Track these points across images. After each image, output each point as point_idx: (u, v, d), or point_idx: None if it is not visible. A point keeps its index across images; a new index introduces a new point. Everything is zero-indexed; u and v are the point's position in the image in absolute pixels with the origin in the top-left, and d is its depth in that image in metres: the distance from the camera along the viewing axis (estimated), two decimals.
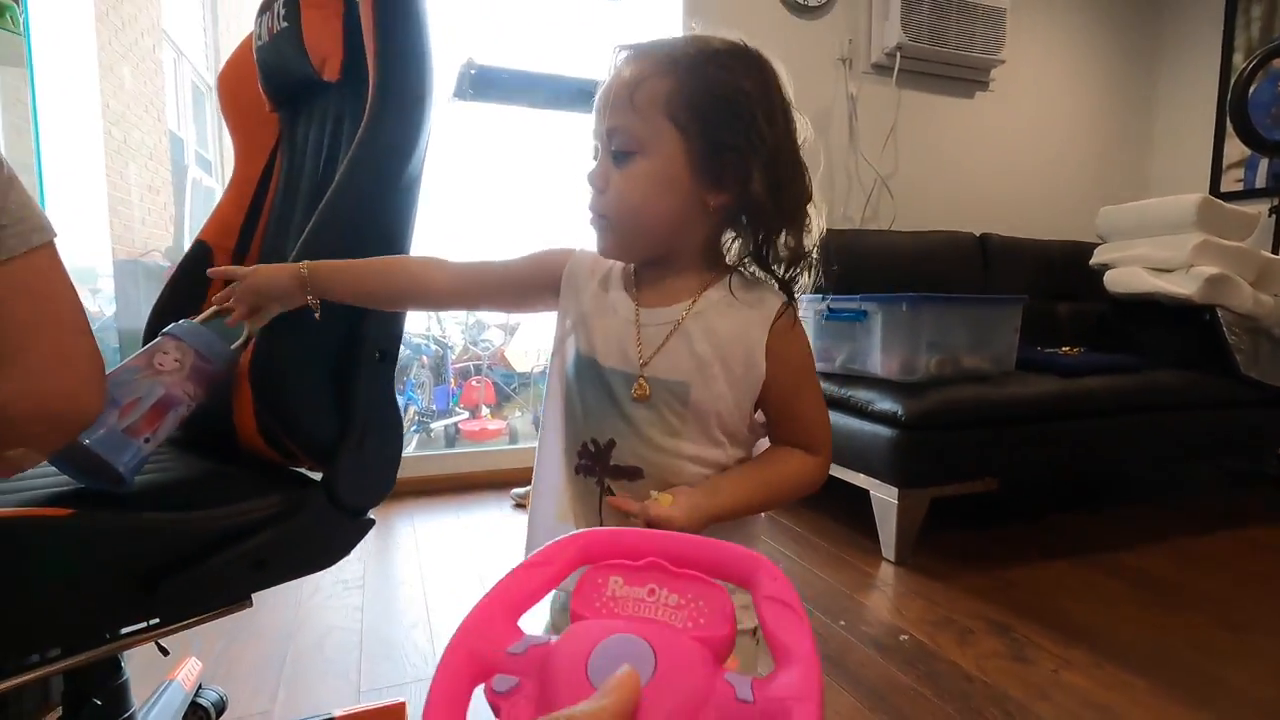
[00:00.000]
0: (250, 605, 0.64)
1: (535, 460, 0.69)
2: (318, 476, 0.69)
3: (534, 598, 0.36)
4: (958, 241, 2.61)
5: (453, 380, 4.13)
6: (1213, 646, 1.35)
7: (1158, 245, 2.26)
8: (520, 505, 2.16)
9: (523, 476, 2.21)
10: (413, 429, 3.56)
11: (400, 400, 3.54)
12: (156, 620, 0.61)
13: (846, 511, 2.11)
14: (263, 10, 0.85)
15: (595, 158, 0.62)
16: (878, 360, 1.83)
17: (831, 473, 2.05)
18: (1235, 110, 2.61)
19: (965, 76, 2.91)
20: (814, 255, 0.65)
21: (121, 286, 2.68)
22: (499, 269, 0.68)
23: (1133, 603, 1.55)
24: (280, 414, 0.65)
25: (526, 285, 0.68)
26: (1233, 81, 2.70)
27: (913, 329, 1.77)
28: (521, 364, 4.42)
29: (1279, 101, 2.92)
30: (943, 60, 2.77)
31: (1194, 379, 2.07)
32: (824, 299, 1.94)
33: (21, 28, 1.65)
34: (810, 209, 0.64)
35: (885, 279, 2.33)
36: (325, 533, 0.68)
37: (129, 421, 0.56)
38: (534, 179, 3.86)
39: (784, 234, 0.63)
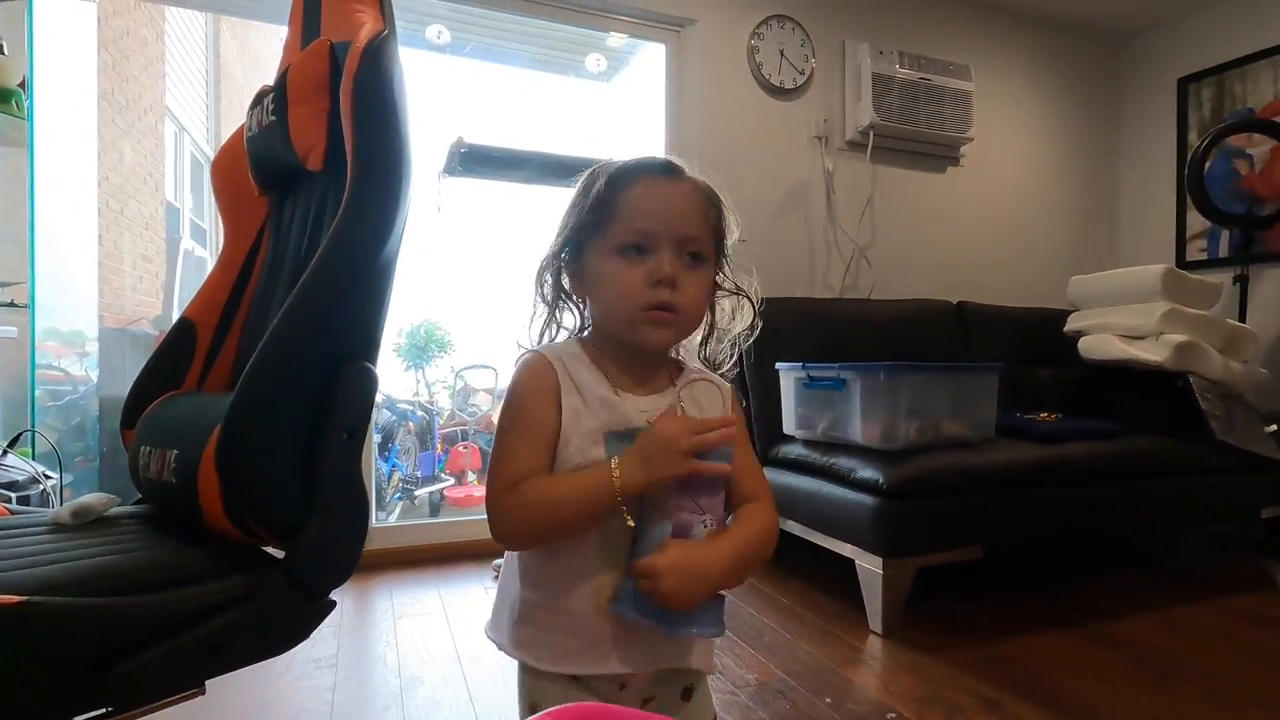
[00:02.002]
0: (203, 693, 0.62)
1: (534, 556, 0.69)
2: (281, 555, 0.68)
3: None
4: (935, 309, 2.67)
5: (439, 446, 4.10)
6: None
7: (1127, 313, 2.32)
8: None
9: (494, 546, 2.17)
10: (396, 496, 3.51)
11: (384, 467, 3.51)
12: (108, 709, 0.60)
13: (834, 582, 2.08)
14: (254, 104, 0.90)
15: (634, 254, 0.66)
16: (858, 428, 1.84)
17: (817, 542, 2.03)
18: (1193, 185, 2.73)
19: (936, 153, 3.04)
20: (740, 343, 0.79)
21: (107, 354, 2.68)
22: (547, 434, 0.67)
23: (1125, 677, 1.51)
24: (245, 495, 0.65)
25: (557, 426, 0.68)
26: (1189, 158, 2.84)
27: (892, 397, 1.79)
28: None
29: (1234, 176, 3.06)
30: (914, 138, 2.90)
31: (1171, 445, 2.09)
32: (804, 367, 1.97)
33: (26, 112, 1.71)
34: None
35: (865, 347, 2.38)
36: (284, 615, 0.67)
37: None
38: (522, 250, 3.96)
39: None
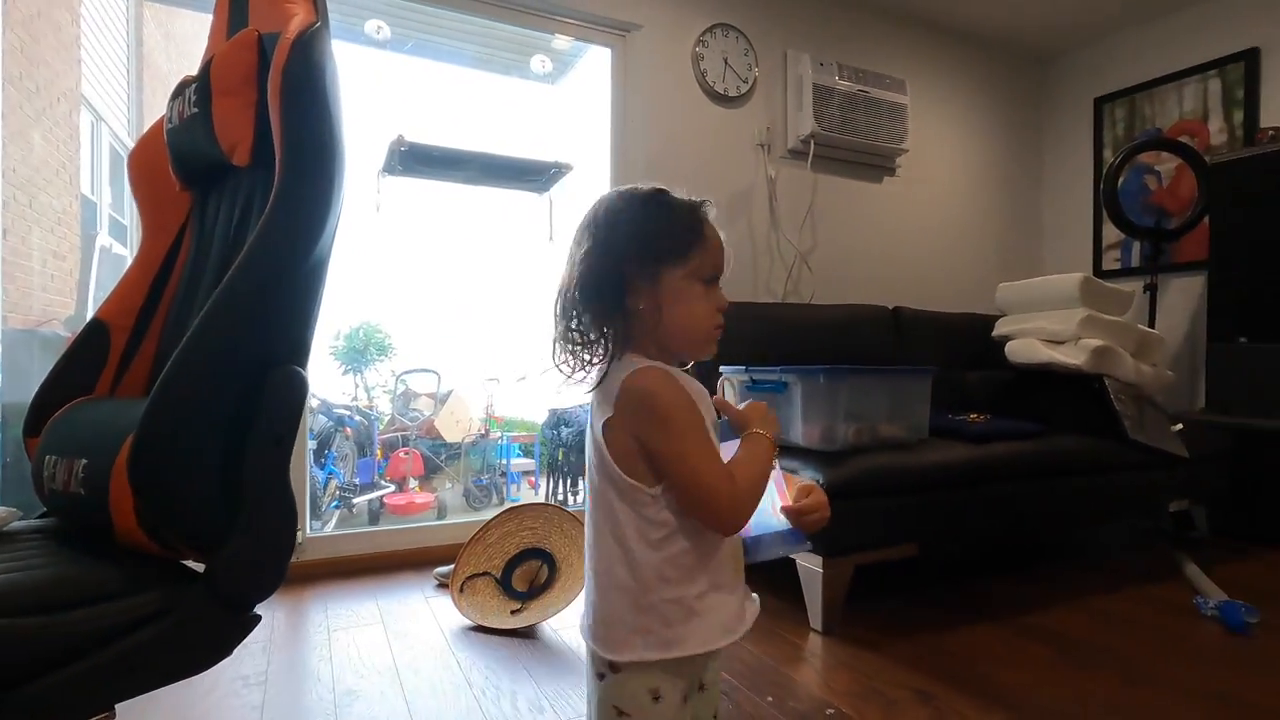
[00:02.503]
0: (113, 716, 0.59)
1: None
2: (201, 568, 0.65)
3: None
4: (873, 314, 2.75)
5: (379, 452, 3.99)
6: (1125, 708, 1.39)
7: (1049, 319, 2.44)
8: (443, 585, 2.07)
9: (448, 554, 2.13)
10: (333, 505, 3.39)
11: (320, 475, 3.39)
12: None
13: (777, 582, 2.11)
14: (175, 95, 0.86)
15: (709, 284, 0.77)
16: (799, 430, 1.88)
17: None
18: (1108, 199, 2.90)
19: (874, 163, 3.14)
20: None
21: (12, 357, 2.51)
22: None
23: (1050, 665, 1.59)
24: (161, 506, 0.62)
25: None
26: (1105, 174, 3.02)
27: (831, 399, 1.83)
28: (452, 434, 4.32)
29: (1144, 192, 3.27)
30: (852, 148, 2.99)
31: (1090, 444, 2.21)
32: (746, 370, 2.00)
33: None
34: None
35: (806, 350, 2.43)
36: (205, 632, 0.63)
37: None
38: (466, 250, 3.89)
39: None
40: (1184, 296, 3.12)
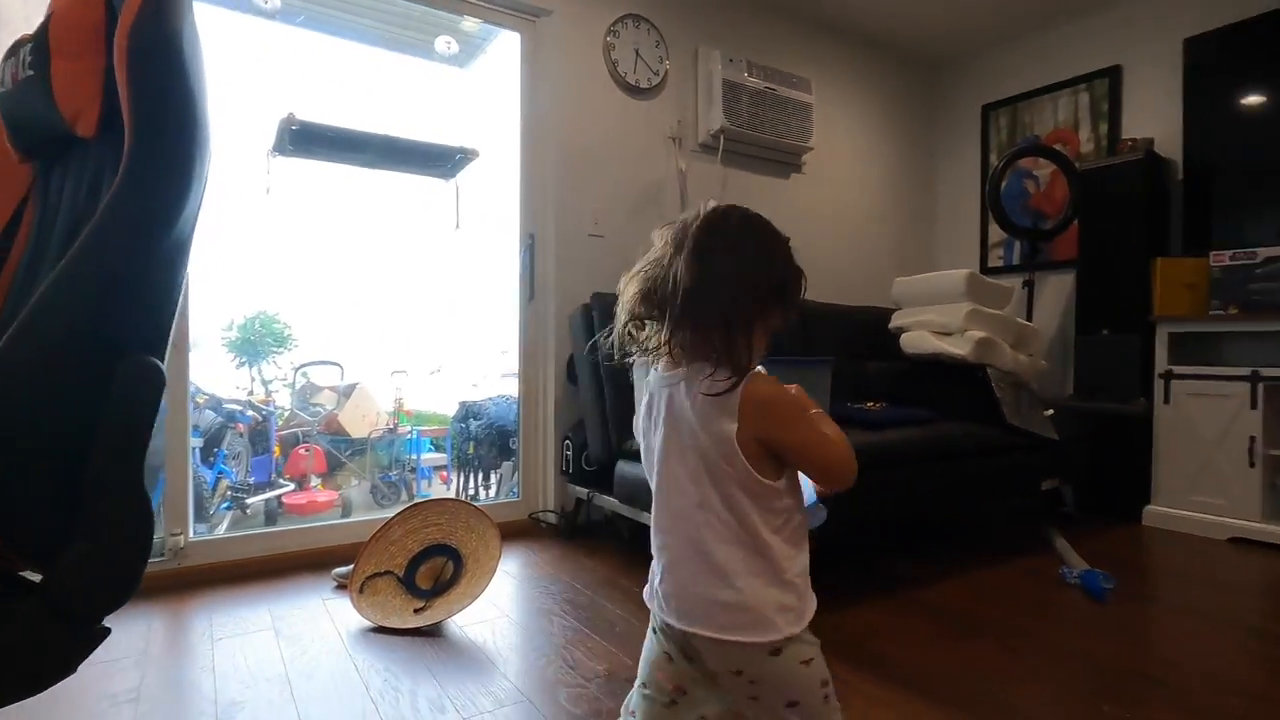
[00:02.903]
0: None
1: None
2: (38, 579, 0.59)
3: None
4: None
5: (276, 449, 3.77)
6: (1001, 671, 1.50)
7: (939, 312, 2.60)
8: (342, 586, 1.98)
9: (350, 554, 2.03)
10: (224, 506, 3.18)
11: (209, 474, 3.17)
12: None
13: None
14: (9, 55, 0.77)
15: None
16: None
17: None
18: (992, 201, 3.11)
19: (781, 159, 3.23)
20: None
21: None
22: None
23: (936, 637, 1.69)
24: None
25: None
26: (989, 176, 3.22)
27: None
28: (358, 429, 4.14)
29: (1024, 195, 3.52)
30: (761, 144, 3.06)
31: (974, 429, 2.37)
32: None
33: None
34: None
35: None
36: (43, 648, 0.57)
37: None
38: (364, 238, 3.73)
39: None
40: (1057, 292, 3.39)
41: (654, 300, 0.77)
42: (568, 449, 2.60)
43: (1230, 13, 2.78)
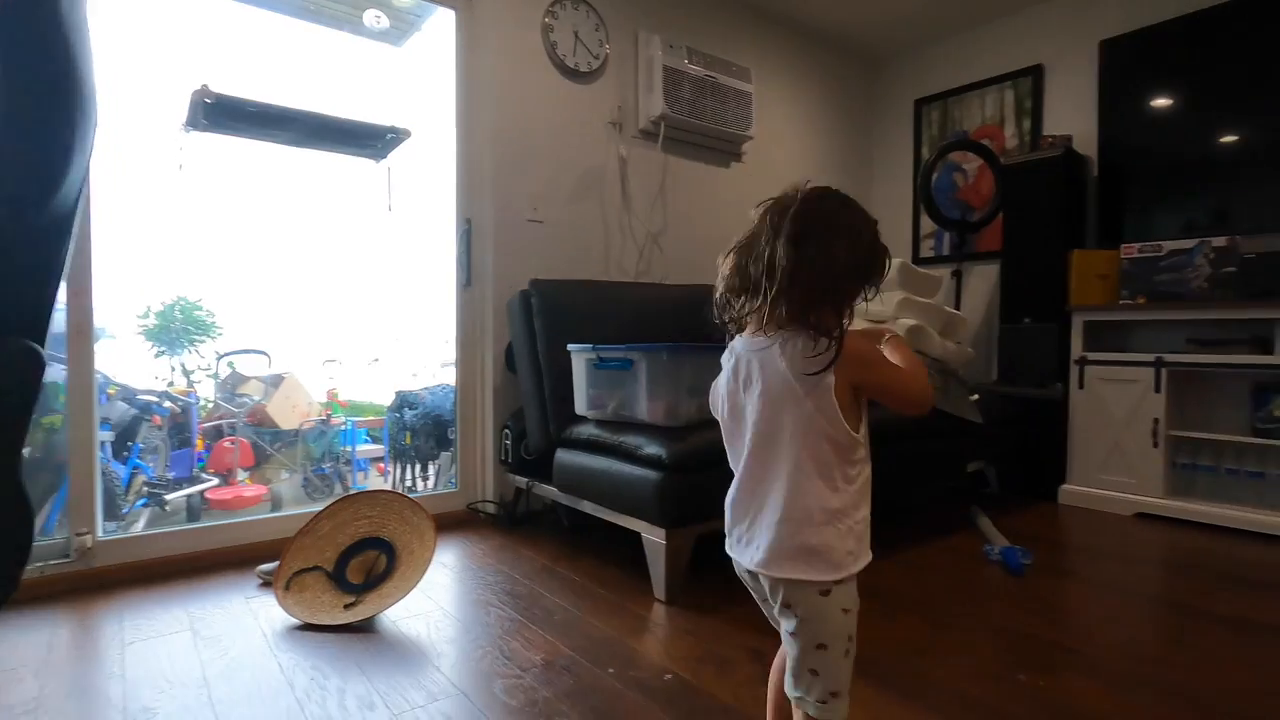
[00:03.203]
0: None
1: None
2: None
3: None
4: None
5: (199, 441, 3.59)
6: (922, 646, 1.56)
7: (872, 301, 2.66)
8: (268, 584, 1.90)
9: (277, 549, 1.95)
10: (139, 503, 3.01)
11: (122, 470, 2.99)
12: None
13: (626, 557, 2.15)
14: None
15: None
16: (645, 406, 1.91)
17: (609, 519, 2.09)
18: (923, 193, 3.20)
19: (722, 148, 3.24)
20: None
21: None
22: None
23: (866, 616, 1.73)
24: None
25: None
26: (921, 169, 3.32)
27: (675, 376, 1.88)
28: (288, 420, 3.98)
29: (954, 188, 3.64)
30: (701, 132, 3.07)
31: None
32: (593, 349, 2.00)
33: None
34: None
35: (657, 329, 2.48)
36: None
37: None
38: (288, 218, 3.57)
39: None
40: (983, 282, 3.53)
41: (749, 276, 0.85)
42: (507, 438, 2.57)
43: (1144, 17, 2.94)
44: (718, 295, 0.89)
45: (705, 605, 1.79)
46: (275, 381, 3.97)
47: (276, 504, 3.43)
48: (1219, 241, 2.57)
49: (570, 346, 2.12)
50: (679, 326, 2.58)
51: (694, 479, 1.80)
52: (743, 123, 3.15)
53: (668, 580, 1.81)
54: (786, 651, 0.92)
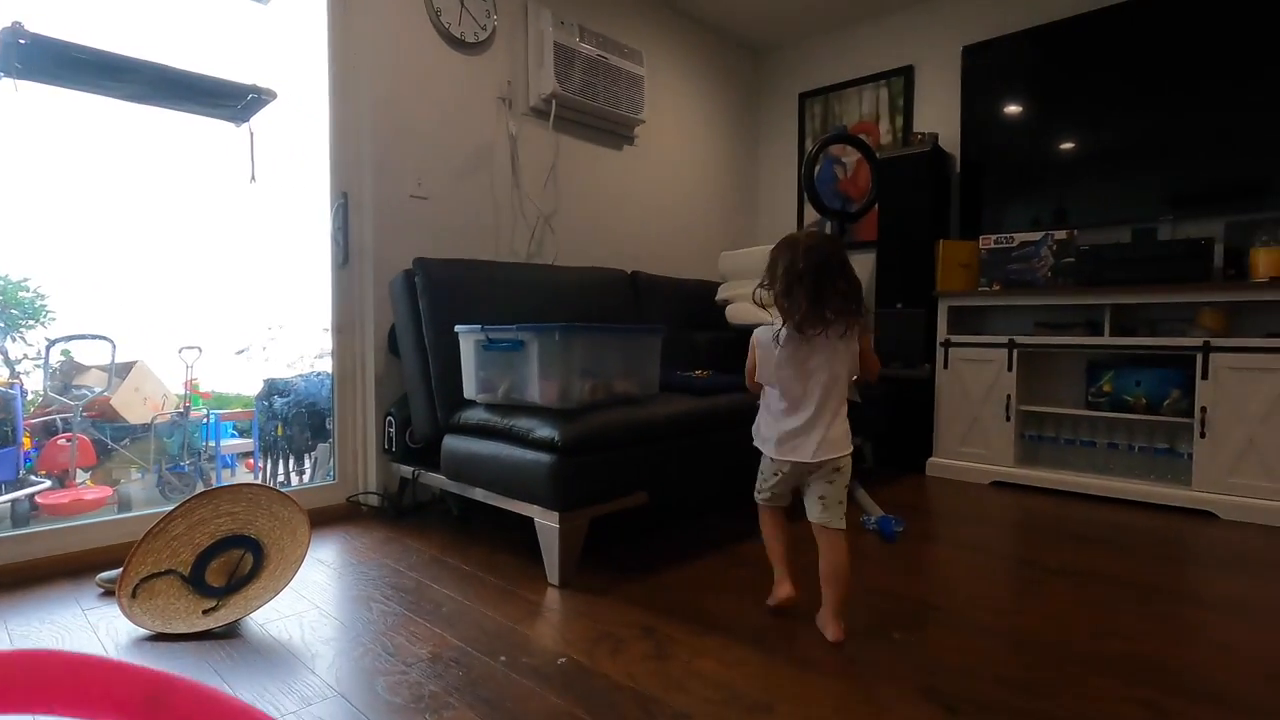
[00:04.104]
0: None
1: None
2: None
3: None
4: (612, 278, 2.85)
5: (25, 439, 3.16)
6: (808, 612, 1.62)
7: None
8: (110, 593, 1.70)
9: (122, 555, 1.73)
10: None
11: None
12: None
13: (517, 543, 2.10)
14: None
15: None
16: (536, 389, 1.87)
17: (500, 505, 2.02)
18: (806, 183, 3.32)
19: (614, 130, 3.22)
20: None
21: None
22: None
23: (754, 587, 1.79)
24: None
25: None
26: (804, 160, 3.45)
27: (566, 357, 1.84)
28: (138, 414, 3.58)
29: (835, 179, 3.82)
30: (593, 113, 3.03)
31: None
32: (482, 329, 1.93)
33: None
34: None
35: (549, 311, 2.43)
36: None
37: None
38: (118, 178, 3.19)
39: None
40: (862, 269, 3.70)
41: (797, 291, 1.45)
42: (390, 426, 2.43)
43: (1002, 26, 3.19)
44: (778, 299, 1.53)
45: (598, 587, 1.78)
46: (121, 371, 3.56)
47: (125, 506, 3.09)
48: (1060, 235, 2.85)
49: (458, 328, 2.03)
50: (572, 308, 2.54)
51: (588, 461, 1.78)
52: (635, 106, 3.14)
53: (561, 564, 1.78)
54: (820, 499, 1.52)
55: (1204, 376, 2.47)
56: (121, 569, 1.58)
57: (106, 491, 3.13)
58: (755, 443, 1.62)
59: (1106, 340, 2.69)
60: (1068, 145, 3.02)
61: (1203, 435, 2.48)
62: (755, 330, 1.61)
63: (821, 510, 1.50)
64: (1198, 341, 2.49)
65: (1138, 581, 1.84)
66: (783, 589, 1.63)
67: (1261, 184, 2.58)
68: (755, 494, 1.66)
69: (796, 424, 1.49)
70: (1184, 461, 2.64)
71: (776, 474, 1.57)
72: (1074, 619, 1.60)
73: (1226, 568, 1.97)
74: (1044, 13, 3.07)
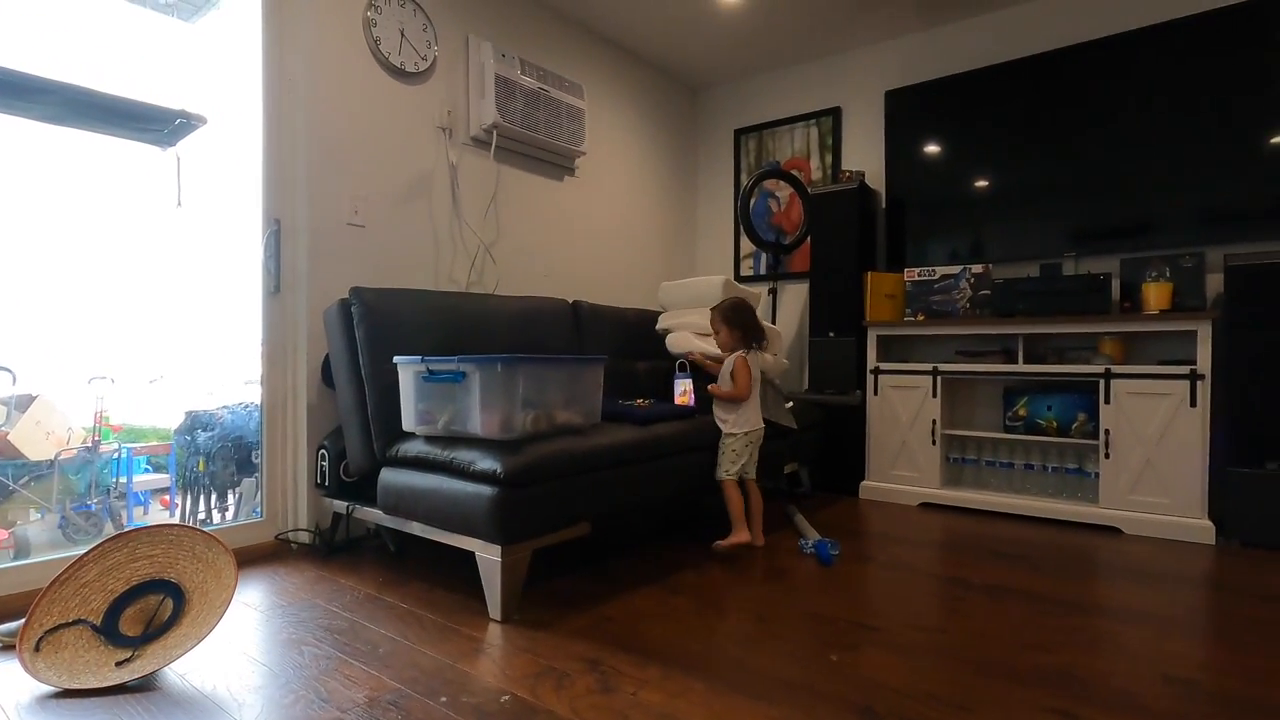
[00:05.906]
0: None
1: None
2: None
3: None
4: (553, 308, 2.85)
5: None
6: (749, 639, 1.66)
7: (699, 314, 2.81)
8: (10, 646, 1.57)
9: (23, 605, 1.60)
10: None
11: None
12: None
13: (456, 578, 2.06)
14: None
15: None
16: (478, 420, 1.85)
17: (439, 539, 1.99)
18: (742, 216, 3.44)
19: (555, 161, 3.26)
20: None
21: None
22: None
23: (695, 614, 1.81)
24: None
25: None
26: (740, 194, 3.57)
27: (509, 388, 1.84)
28: (39, 450, 3.33)
29: (769, 212, 3.96)
30: (534, 144, 3.06)
31: None
32: (422, 360, 1.90)
33: None
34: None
35: (489, 341, 2.42)
36: None
37: None
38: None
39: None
40: (795, 299, 3.86)
41: (737, 334, 2.45)
42: (323, 459, 2.35)
43: (920, 73, 3.41)
44: (728, 340, 2.47)
45: (541, 621, 1.76)
46: (21, 404, 3.31)
47: (23, 550, 2.85)
48: (977, 269, 3.04)
49: (397, 359, 2.00)
50: (513, 339, 2.54)
51: (531, 492, 1.77)
52: (575, 138, 3.19)
53: (503, 599, 1.75)
54: (753, 459, 2.45)
55: (1106, 401, 2.67)
56: (23, 621, 1.47)
57: (2, 535, 2.89)
58: (728, 430, 2.44)
59: (1020, 367, 2.88)
60: (982, 184, 3.24)
61: (1107, 456, 2.67)
62: (736, 356, 2.44)
63: (753, 468, 2.49)
64: (1100, 369, 2.69)
65: (1052, 596, 1.96)
66: (742, 534, 2.33)
67: (1149, 224, 2.84)
68: (724, 474, 2.41)
69: (755, 408, 2.48)
70: (1091, 481, 2.83)
71: (747, 446, 2.44)
72: (997, 633, 1.69)
73: (1130, 580, 2.12)
74: (958, 63, 3.30)
